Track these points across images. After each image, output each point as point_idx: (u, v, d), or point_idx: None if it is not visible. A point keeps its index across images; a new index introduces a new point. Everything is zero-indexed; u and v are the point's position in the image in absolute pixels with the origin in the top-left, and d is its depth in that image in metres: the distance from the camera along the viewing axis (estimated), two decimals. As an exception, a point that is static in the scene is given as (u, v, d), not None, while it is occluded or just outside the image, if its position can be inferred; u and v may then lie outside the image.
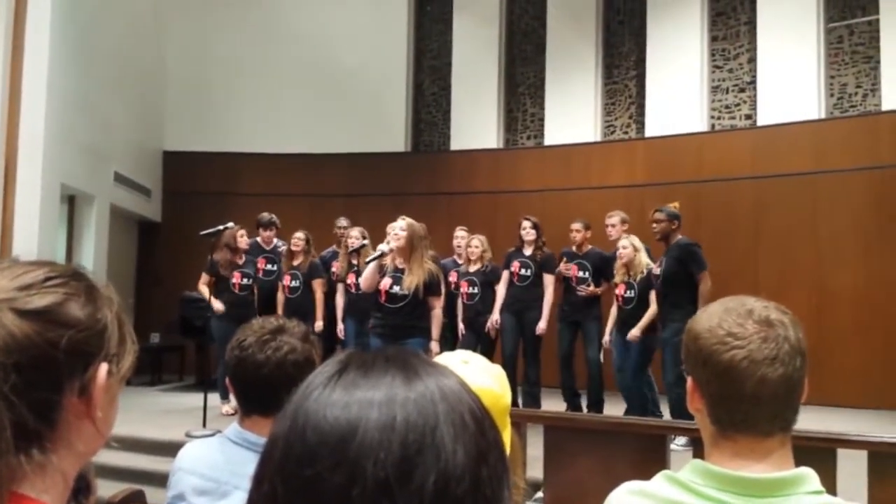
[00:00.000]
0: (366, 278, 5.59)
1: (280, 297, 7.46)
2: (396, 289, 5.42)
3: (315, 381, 0.62)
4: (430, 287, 5.45)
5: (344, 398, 0.59)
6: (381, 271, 5.53)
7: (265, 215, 7.86)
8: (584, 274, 7.03)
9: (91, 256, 9.14)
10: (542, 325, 6.93)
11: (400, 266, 5.49)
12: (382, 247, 5.57)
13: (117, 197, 10.00)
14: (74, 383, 0.83)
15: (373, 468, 0.55)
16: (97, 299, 0.87)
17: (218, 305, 6.98)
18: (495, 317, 7.01)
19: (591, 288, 6.96)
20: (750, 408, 1.21)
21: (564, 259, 7.13)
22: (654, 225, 6.22)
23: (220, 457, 1.85)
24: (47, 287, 0.83)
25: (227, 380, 1.94)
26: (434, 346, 5.47)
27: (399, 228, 5.47)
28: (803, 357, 1.23)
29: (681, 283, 5.90)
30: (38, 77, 8.04)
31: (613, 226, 6.80)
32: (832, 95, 9.39)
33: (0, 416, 0.75)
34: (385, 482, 0.55)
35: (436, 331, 5.53)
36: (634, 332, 6.21)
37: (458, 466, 0.57)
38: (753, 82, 9.78)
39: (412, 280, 5.38)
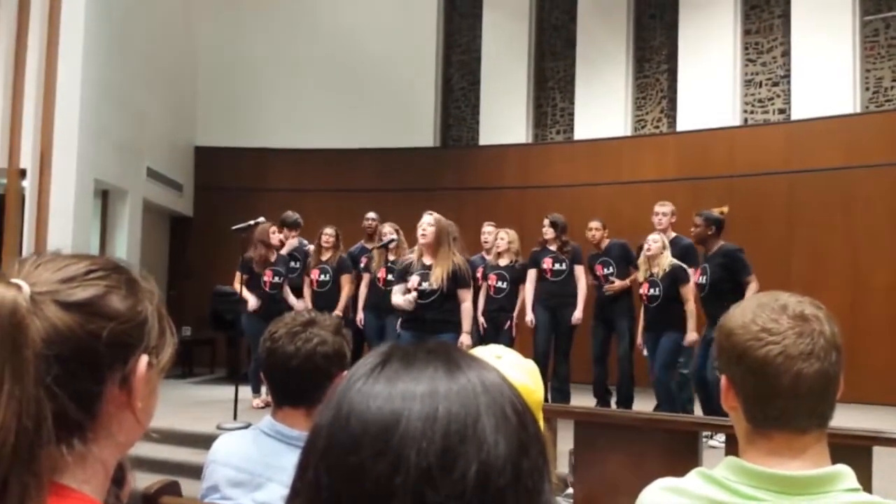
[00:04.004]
0: (397, 305, 5.57)
1: (306, 291, 7.51)
2: (425, 285, 5.41)
3: (358, 373, 0.63)
4: (457, 279, 5.44)
5: (387, 390, 0.60)
6: (408, 271, 5.54)
7: (290, 215, 7.94)
8: (609, 270, 7.01)
9: (124, 250, 9.26)
10: (577, 315, 6.90)
11: (427, 262, 5.49)
12: (411, 256, 5.62)
13: (150, 192, 10.11)
14: (115, 374, 0.84)
15: (416, 457, 0.56)
16: (138, 292, 0.88)
17: (252, 302, 7.06)
18: (529, 317, 6.97)
19: (617, 284, 6.92)
20: (786, 404, 1.19)
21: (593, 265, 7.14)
22: (693, 228, 6.25)
23: (253, 449, 1.87)
24: (89, 280, 0.84)
25: (260, 373, 1.97)
26: (466, 338, 5.46)
27: (427, 224, 5.46)
28: (839, 352, 1.21)
29: (728, 290, 5.87)
30: (73, 74, 8.15)
31: (665, 214, 6.68)
32: (867, 89, 9.25)
33: (42, 406, 0.76)
34: (427, 471, 0.56)
35: (466, 324, 5.51)
36: (692, 337, 6.09)
37: (500, 458, 0.58)
38: (787, 76, 9.66)
39: (439, 273, 5.38)
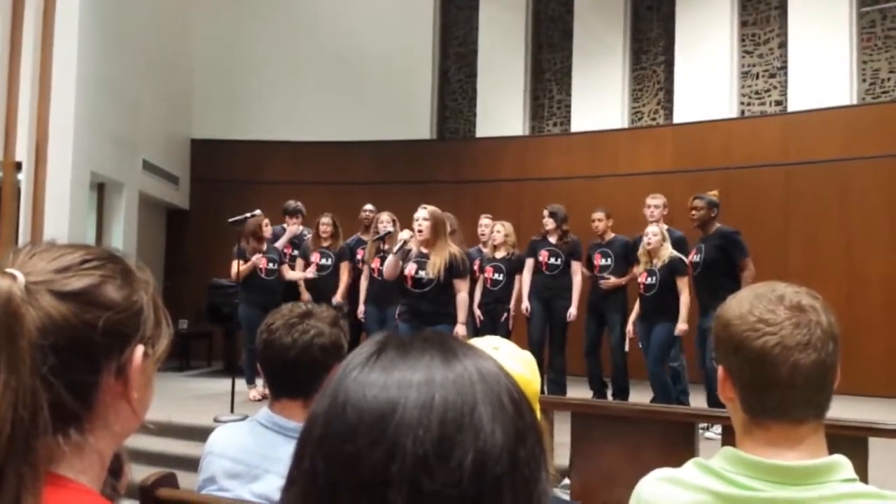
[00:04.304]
0: (388, 267, 5.60)
1: (302, 275, 7.52)
2: (422, 274, 5.42)
3: (354, 362, 0.63)
4: (454, 269, 5.43)
5: (382, 378, 0.60)
6: (405, 258, 5.54)
7: (291, 203, 7.95)
8: (607, 261, 7.01)
9: (120, 243, 9.24)
10: (572, 311, 6.90)
11: (425, 251, 5.50)
12: (404, 235, 5.61)
13: (146, 184, 10.10)
14: (111, 364, 0.83)
15: (412, 445, 0.56)
16: (133, 282, 0.88)
17: (257, 259, 7.11)
18: (525, 304, 6.98)
19: (613, 280, 6.92)
20: (783, 394, 1.19)
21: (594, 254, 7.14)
22: (693, 212, 6.21)
23: (250, 440, 1.87)
24: (84, 269, 0.84)
25: (256, 364, 1.97)
26: (461, 329, 5.47)
27: (422, 219, 5.47)
28: (836, 342, 1.21)
29: (722, 271, 5.87)
30: (68, 67, 8.13)
31: (657, 207, 6.70)
32: (864, 81, 9.25)
33: (38, 396, 0.76)
34: (424, 459, 0.56)
35: (462, 314, 5.51)
36: (682, 327, 6.11)
37: (497, 446, 0.58)
38: (784, 68, 9.65)
39: (435, 264, 5.38)
